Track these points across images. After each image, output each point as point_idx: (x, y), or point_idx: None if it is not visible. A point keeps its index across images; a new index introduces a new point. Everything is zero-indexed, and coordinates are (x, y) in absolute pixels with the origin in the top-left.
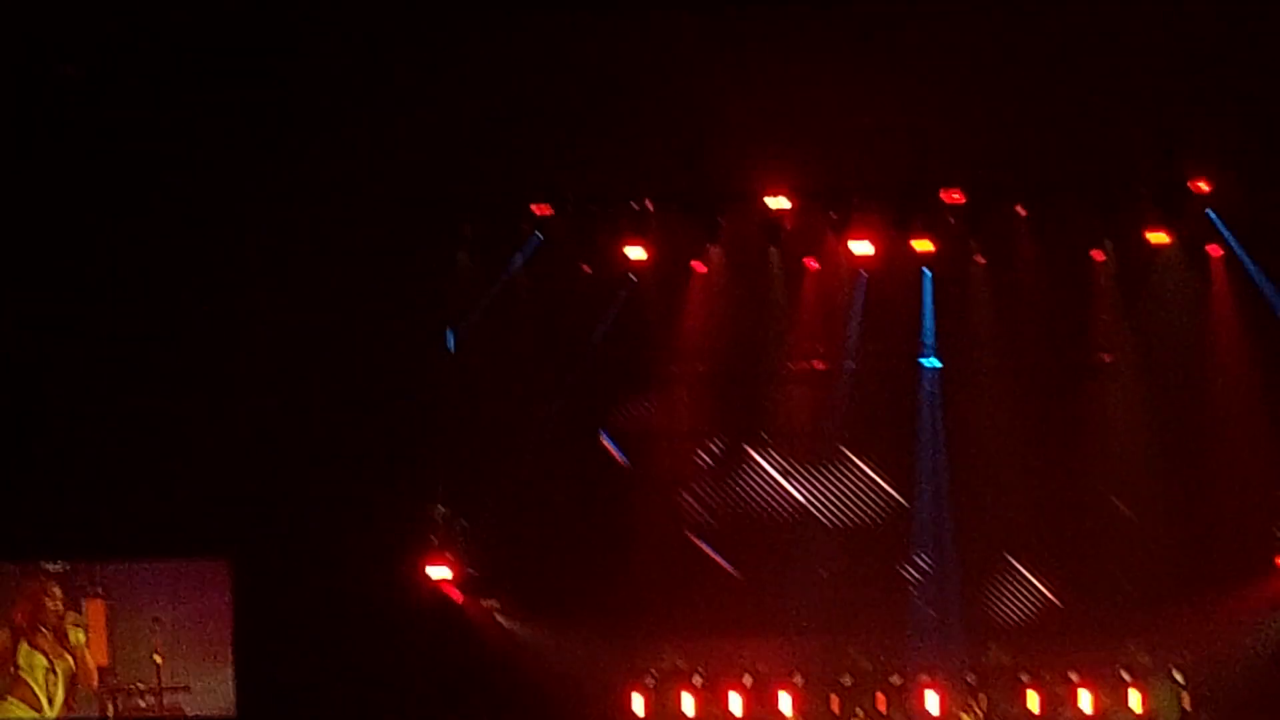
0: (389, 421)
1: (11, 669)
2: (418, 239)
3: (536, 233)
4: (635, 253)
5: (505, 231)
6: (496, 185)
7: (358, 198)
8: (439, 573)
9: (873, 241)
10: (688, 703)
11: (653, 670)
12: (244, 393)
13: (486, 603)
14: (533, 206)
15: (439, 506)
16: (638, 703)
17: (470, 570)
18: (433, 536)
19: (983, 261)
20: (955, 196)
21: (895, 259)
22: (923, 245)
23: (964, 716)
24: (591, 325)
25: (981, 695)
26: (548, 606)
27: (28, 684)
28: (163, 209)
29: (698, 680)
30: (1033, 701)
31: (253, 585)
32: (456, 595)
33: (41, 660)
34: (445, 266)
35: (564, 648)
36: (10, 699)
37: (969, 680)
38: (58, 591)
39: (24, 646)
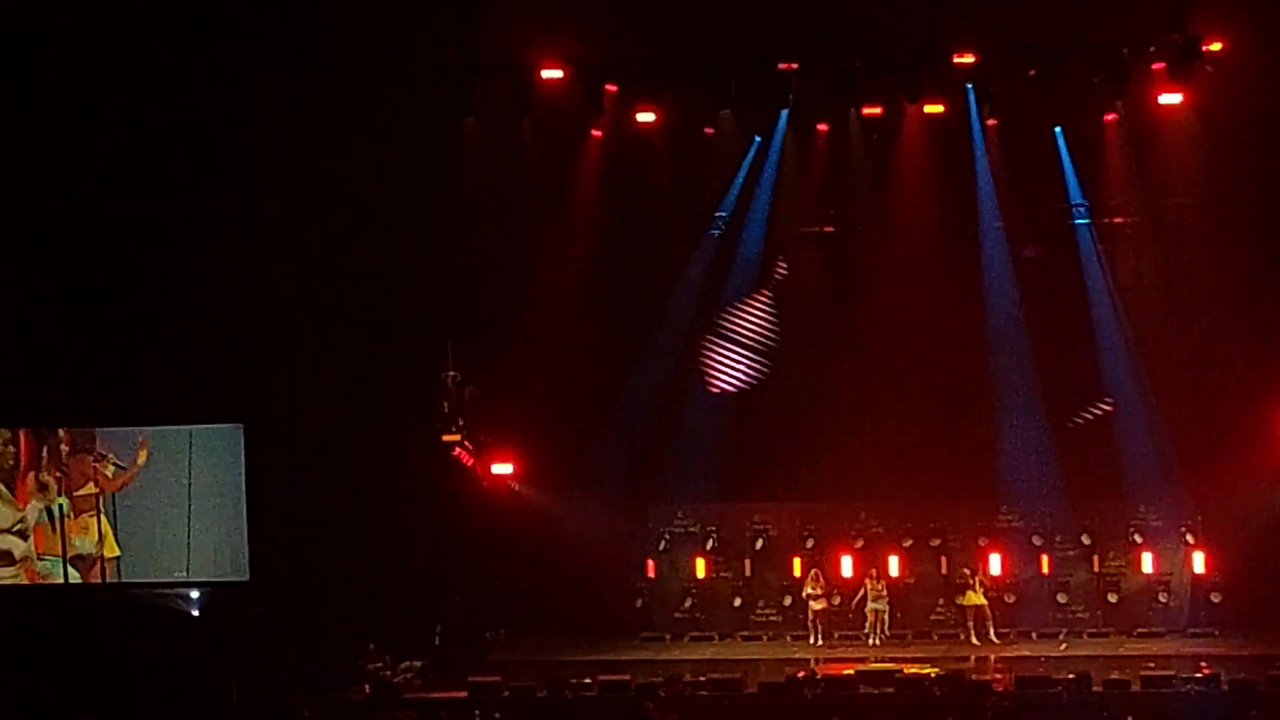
0: (401, 287)
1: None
2: (428, 105)
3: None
4: (646, 117)
5: (515, 95)
6: (506, 49)
7: (370, 61)
8: (450, 437)
9: (882, 104)
10: (699, 566)
11: (665, 534)
12: (257, 262)
13: (499, 468)
14: (543, 70)
15: (451, 372)
16: (650, 565)
17: (483, 436)
18: (445, 402)
19: (994, 123)
20: (965, 59)
21: (905, 121)
22: (932, 108)
23: (973, 579)
24: (603, 189)
25: (990, 558)
26: (560, 472)
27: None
28: (178, 73)
29: (711, 544)
30: (1043, 565)
31: (265, 450)
32: (469, 460)
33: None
34: (454, 131)
35: (577, 512)
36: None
37: (980, 543)
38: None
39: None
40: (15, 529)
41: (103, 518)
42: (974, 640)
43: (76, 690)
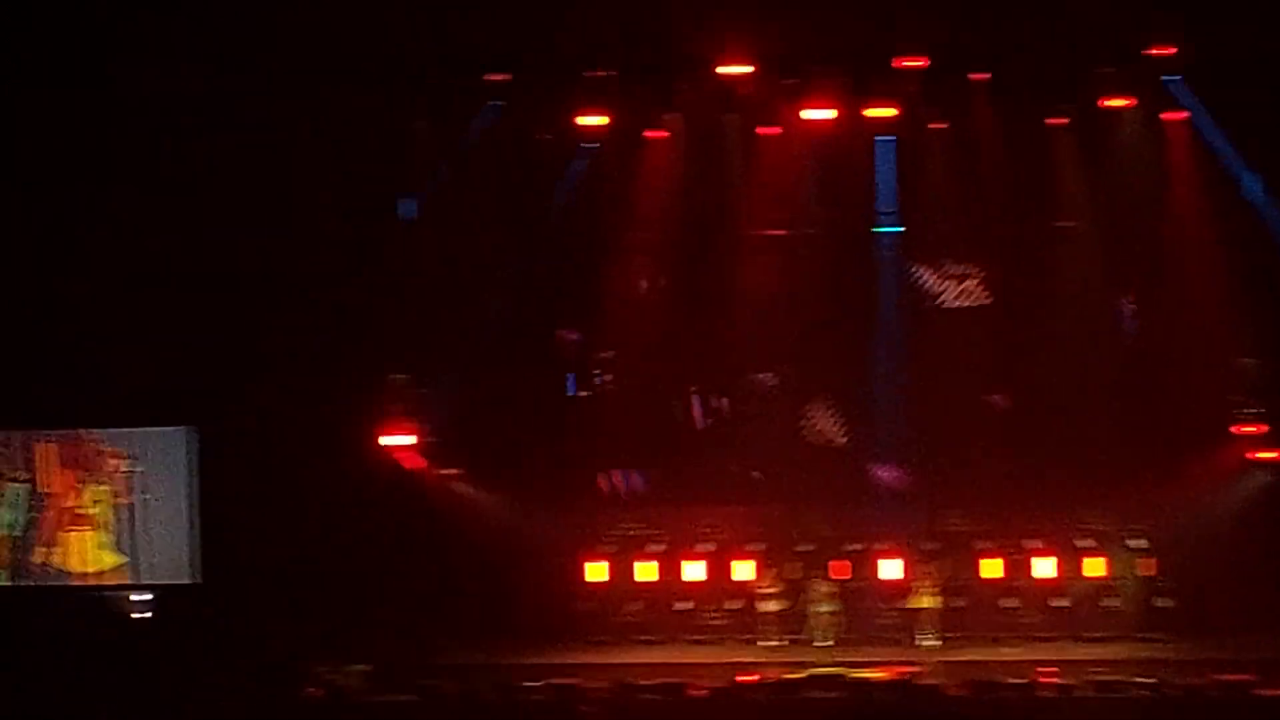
0: (349, 289)
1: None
2: (375, 107)
3: (494, 101)
4: (592, 120)
5: (463, 100)
6: (453, 54)
7: (317, 66)
8: (399, 439)
9: (830, 108)
10: (647, 570)
11: (613, 537)
12: (206, 260)
13: (445, 470)
14: (489, 75)
15: (399, 374)
16: (596, 570)
17: (429, 437)
18: (393, 404)
19: (942, 127)
20: (914, 62)
21: (853, 126)
22: (881, 112)
23: (922, 582)
24: (550, 193)
25: (939, 562)
26: (506, 474)
27: None
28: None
29: (657, 548)
30: (990, 569)
31: (215, 453)
32: (416, 462)
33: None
34: (403, 135)
35: (523, 515)
36: None
37: (927, 548)
38: None
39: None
40: None
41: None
42: (924, 643)
43: (19, 692)
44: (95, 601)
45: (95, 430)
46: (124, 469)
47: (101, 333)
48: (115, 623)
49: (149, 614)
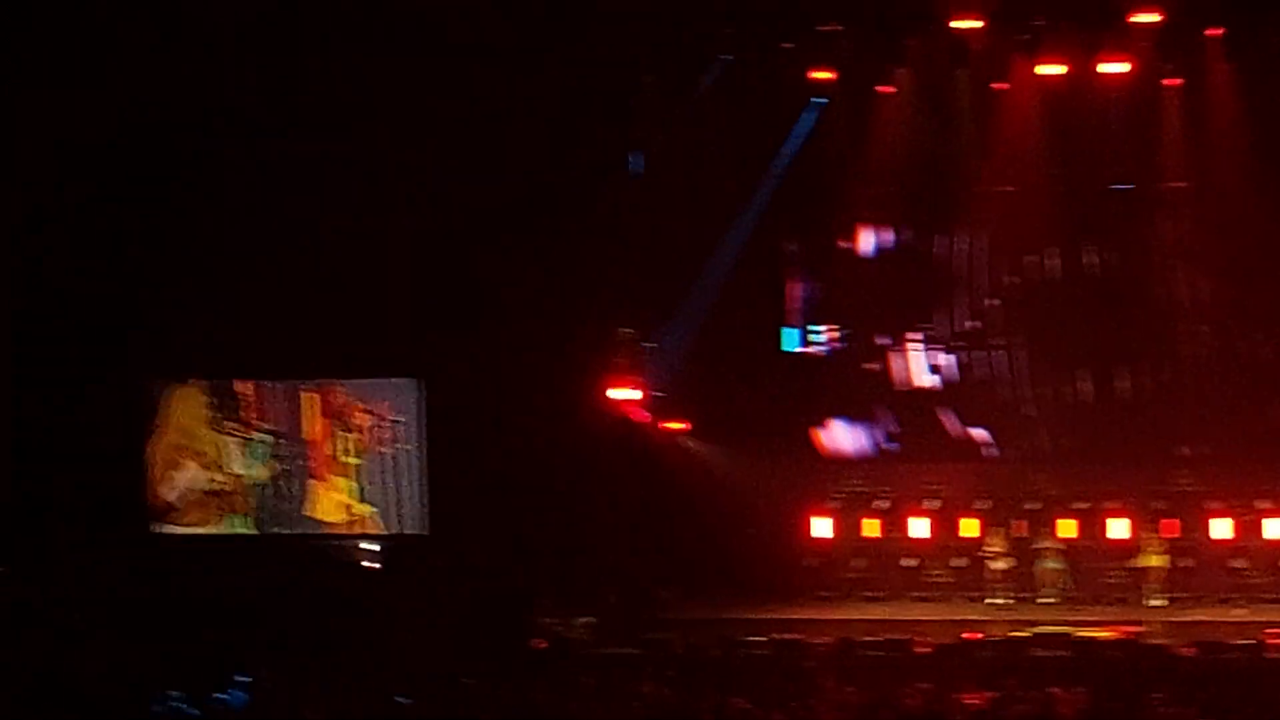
0: (576, 244)
1: None
2: (605, 61)
3: (723, 55)
4: (822, 75)
5: (692, 54)
6: (683, 7)
7: (548, 22)
8: (625, 394)
9: (1062, 63)
10: (870, 526)
11: (837, 493)
12: (435, 217)
13: (672, 425)
14: (719, 28)
15: (626, 329)
16: (822, 526)
17: (656, 392)
18: (619, 359)
19: (1176, 84)
20: (1148, 17)
21: (1085, 81)
22: (1114, 67)
23: (1150, 542)
24: (778, 148)
25: (1168, 521)
26: (730, 429)
27: None
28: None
29: (882, 504)
30: (1220, 529)
31: (445, 405)
32: (642, 417)
33: None
34: (632, 89)
35: (748, 471)
36: None
37: (1155, 507)
38: None
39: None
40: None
41: None
42: (1151, 602)
43: (256, 640)
44: (329, 551)
45: (338, 381)
46: (370, 421)
47: (339, 284)
48: (348, 572)
49: (378, 565)
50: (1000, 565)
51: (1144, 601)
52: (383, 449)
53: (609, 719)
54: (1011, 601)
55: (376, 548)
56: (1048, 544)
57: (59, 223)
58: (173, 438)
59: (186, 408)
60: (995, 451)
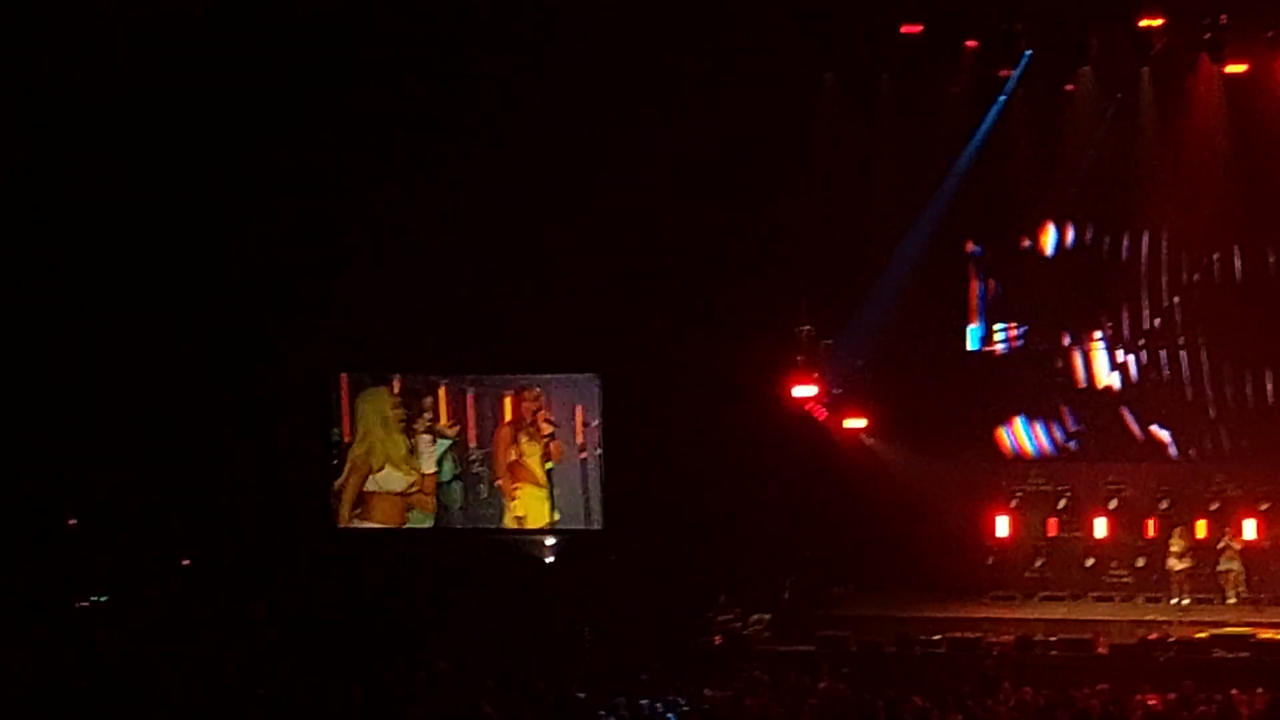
0: (758, 240)
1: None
2: (786, 58)
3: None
4: (1005, 74)
5: (874, 52)
6: (866, 4)
7: (730, 18)
8: (804, 391)
9: (1246, 60)
10: (1051, 525)
11: (1017, 492)
12: (615, 216)
13: (851, 422)
14: (902, 26)
15: (804, 325)
16: (1002, 525)
17: (834, 389)
18: (798, 355)
19: None
20: None
21: (1268, 79)
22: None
23: None
24: (959, 146)
25: None
26: (913, 427)
27: None
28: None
29: (1062, 504)
30: None
31: (621, 401)
32: (820, 413)
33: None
34: (814, 86)
35: (928, 469)
36: None
37: None
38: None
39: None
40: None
41: None
42: None
43: (432, 634)
44: (507, 545)
45: (512, 376)
46: (551, 420)
47: (520, 281)
48: (526, 566)
49: (554, 559)
50: (1181, 565)
51: None
52: (574, 454)
53: (784, 716)
54: (1193, 602)
55: (552, 541)
56: (1227, 544)
57: (239, 215)
58: (363, 436)
59: (375, 406)
60: (1175, 451)
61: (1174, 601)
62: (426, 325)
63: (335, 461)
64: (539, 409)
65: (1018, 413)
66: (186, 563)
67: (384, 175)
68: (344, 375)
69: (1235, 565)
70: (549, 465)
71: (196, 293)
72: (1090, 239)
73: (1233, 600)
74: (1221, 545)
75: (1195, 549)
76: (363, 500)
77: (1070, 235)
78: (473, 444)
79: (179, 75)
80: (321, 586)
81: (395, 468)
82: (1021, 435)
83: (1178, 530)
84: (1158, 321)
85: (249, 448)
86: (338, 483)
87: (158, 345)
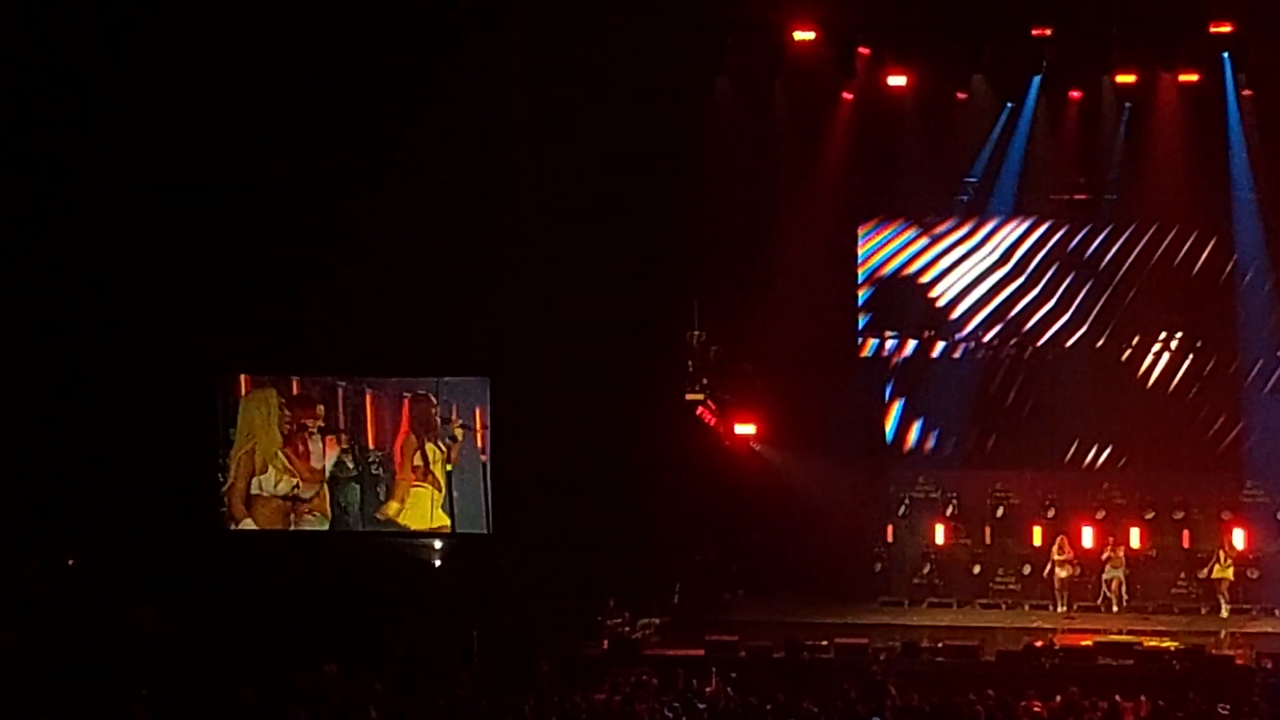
0: (648, 245)
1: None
2: (680, 62)
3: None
4: (898, 80)
5: (767, 56)
6: (758, 8)
7: (622, 20)
8: (694, 396)
9: (1135, 71)
10: (938, 532)
11: (905, 499)
12: (509, 220)
13: (741, 427)
14: (794, 30)
15: (696, 331)
16: (890, 531)
17: (725, 396)
18: (689, 361)
19: (1250, 94)
20: (1222, 28)
21: (1158, 90)
22: (1187, 77)
23: (1219, 553)
24: (851, 151)
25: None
26: (801, 433)
27: None
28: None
29: (950, 510)
30: None
31: (510, 403)
32: (710, 419)
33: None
34: (706, 90)
35: (817, 475)
36: None
37: (1224, 517)
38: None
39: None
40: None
41: None
42: (1223, 613)
43: (321, 637)
44: (391, 548)
45: (412, 379)
46: (446, 421)
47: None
48: (410, 569)
49: (442, 562)
50: (1064, 574)
51: (1220, 612)
52: (475, 456)
53: None
54: (1078, 610)
55: (439, 545)
56: (1110, 554)
57: (121, 221)
58: (250, 438)
59: (260, 408)
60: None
61: (1059, 610)
62: (324, 327)
63: (223, 462)
64: (438, 410)
65: (908, 417)
66: (71, 562)
67: (284, 176)
68: (243, 376)
69: (1119, 574)
70: (449, 468)
71: (88, 292)
72: (982, 241)
73: (1117, 609)
74: (1105, 555)
75: (1080, 557)
76: (251, 502)
77: (963, 238)
78: (371, 445)
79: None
80: (210, 589)
81: (280, 470)
82: (912, 439)
83: (1059, 539)
84: (1049, 324)
85: (140, 449)
86: (225, 485)
87: (50, 345)
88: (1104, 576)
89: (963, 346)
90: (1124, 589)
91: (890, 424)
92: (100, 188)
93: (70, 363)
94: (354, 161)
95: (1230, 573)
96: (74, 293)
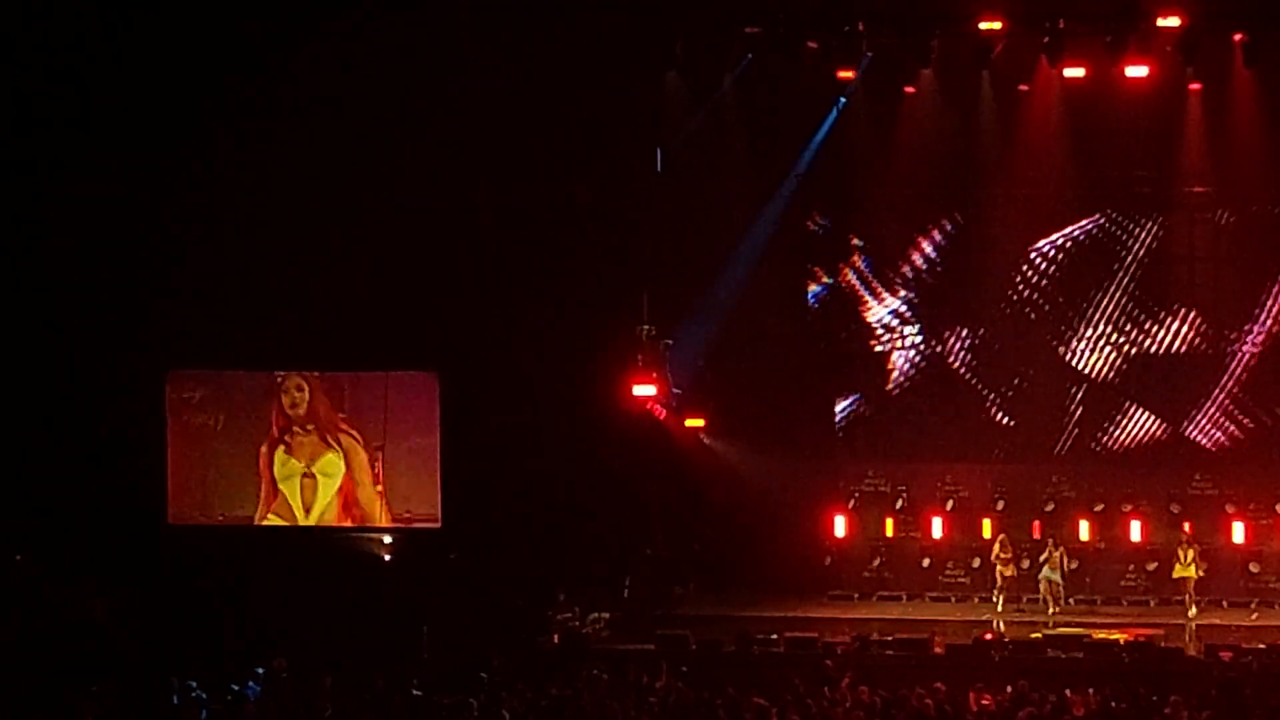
0: (598, 240)
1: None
2: (629, 58)
3: (748, 54)
4: (846, 75)
5: (716, 51)
6: (708, 5)
7: (571, 16)
8: (644, 390)
9: (1084, 66)
10: (888, 525)
11: (855, 492)
12: (454, 210)
13: (690, 421)
14: (744, 27)
15: (645, 324)
16: (840, 524)
17: (674, 389)
18: (638, 355)
19: (1197, 88)
20: (1171, 21)
21: (1108, 84)
22: (1136, 70)
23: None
24: (800, 146)
25: (1186, 524)
26: (751, 427)
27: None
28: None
29: (900, 504)
30: (1237, 532)
31: (460, 397)
32: (660, 412)
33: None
34: (655, 86)
35: (766, 468)
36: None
37: (1173, 510)
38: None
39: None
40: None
41: None
42: (1190, 613)
43: (269, 632)
44: (340, 543)
45: (345, 373)
46: (376, 413)
47: (352, 274)
48: (359, 564)
49: (391, 557)
50: (1008, 571)
51: (1162, 604)
52: (403, 444)
53: (623, 715)
54: (1027, 602)
55: (389, 540)
56: (1050, 554)
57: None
58: (192, 431)
59: (203, 400)
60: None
61: (1005, 602)
62: (269, 322)
63: (166, 459)
64: (383, 404)
65: (857, 411)
66: (19, 558)
67: (229, 174)
68: (171, 370)
69: (1056, 576)
70: (377, 456)
71: (26, 291)
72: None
73: (1053, 610)
74: (1044, 556)
75: (1029, 549)
76: (196, 497)
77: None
78: (320, 440)
79: None
80: (157, 584)
81: (229, 463)
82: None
83: (1000, 538)
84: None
85: (89, 444)
86: (169, 480)
87: None
88: (1040, 575)
89: (913, 340)
90: (1061, 590)
91: (839, 417)
92: (48, 185)
93: (17, 362)
94: (302, 157)
95: (1193, 570)
96: (21, 292)
